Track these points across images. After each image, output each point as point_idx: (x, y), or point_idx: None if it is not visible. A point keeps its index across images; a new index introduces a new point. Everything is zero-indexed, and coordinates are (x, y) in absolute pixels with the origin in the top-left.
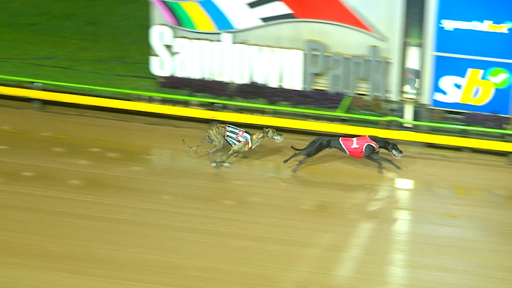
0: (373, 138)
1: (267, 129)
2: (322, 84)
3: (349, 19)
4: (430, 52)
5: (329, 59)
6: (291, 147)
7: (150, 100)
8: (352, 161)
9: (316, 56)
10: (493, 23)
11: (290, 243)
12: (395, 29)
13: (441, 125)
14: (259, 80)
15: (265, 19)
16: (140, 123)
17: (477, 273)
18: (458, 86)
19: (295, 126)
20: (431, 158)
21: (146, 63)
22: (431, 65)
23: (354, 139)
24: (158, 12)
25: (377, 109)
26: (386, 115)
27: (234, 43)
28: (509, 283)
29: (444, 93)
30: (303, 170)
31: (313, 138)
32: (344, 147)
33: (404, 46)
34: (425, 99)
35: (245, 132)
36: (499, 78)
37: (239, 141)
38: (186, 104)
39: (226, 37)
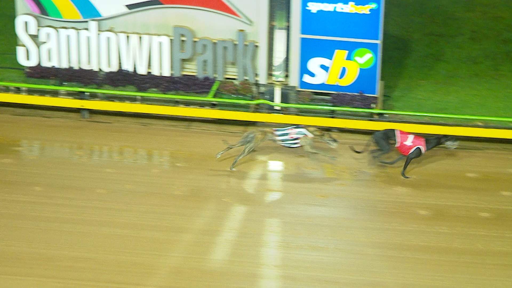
0: (427, 140)
1: (325, 132)
2: (191, 69)
3: (215, 4)
4: (297, 34)
5: (197, 44)
6: (350, 147)
7: (18, 91)
8: (223, 147)
9: (184, 41)
10: (356, 4)
11: (164, 229)
12: (261, 13)
13: (310, 107)
14: (128, 67)
15: (130, 6)
16: (8, 115)
17: (348, 250)
18: (325, 68)
19: (165, 112)
20: None
21: (13, 53)
22: (298, 47)
23: (411, 136)
24: (23, 2)
25: (247, 93)
26: (256, 98)
27: (101, 31)
28: (380, 259)
29: (312, 74)
30: (176, 155)
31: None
32: (398, 139)
33: (271, 29)
34: (293, 81)
35: (294, 128)
36: (365, 58)
37: (296, 139)
38: (55, 93)
39: (92, 25)
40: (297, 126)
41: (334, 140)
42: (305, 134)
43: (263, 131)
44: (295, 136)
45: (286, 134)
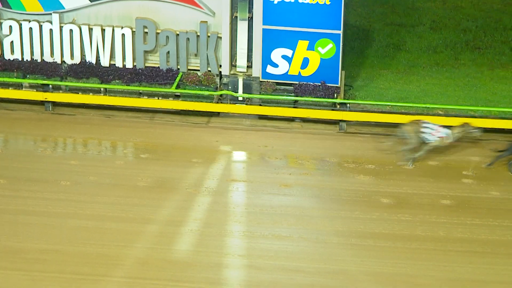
0: None
1: (466, 123)
2: (155, 61)
3: None
4: (259, 25)
5: (160, 36)
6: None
7: None
8: (187, 138)
9: (147, 33)
10: None
11: (129, 220)
12: (224, 4)
13: (273, 97)
14: (91, 59)
15: None
16: None
17: (313, 239)
18: (287, 58)
19: (129, 104)
20: (264, 129)
21: None
22: (261, 38)
23: None
24: None
25: (210, 84)
26: (219, 89)
27: (64, 23)
28: (344, 247)
29: (275, 65)
30: (140, 147)
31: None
32: None
33: (234, 20)
34: (256, 72)
35: (442, 127)
36: (326, 48)
37: (435, 137)
38: (18, 86)
39: (55, 17)
40: (446, 127)
41: (476, 128)
42: (447, 136)
43: (415, 122)
44: (438, 134)
45: (433, 129)
